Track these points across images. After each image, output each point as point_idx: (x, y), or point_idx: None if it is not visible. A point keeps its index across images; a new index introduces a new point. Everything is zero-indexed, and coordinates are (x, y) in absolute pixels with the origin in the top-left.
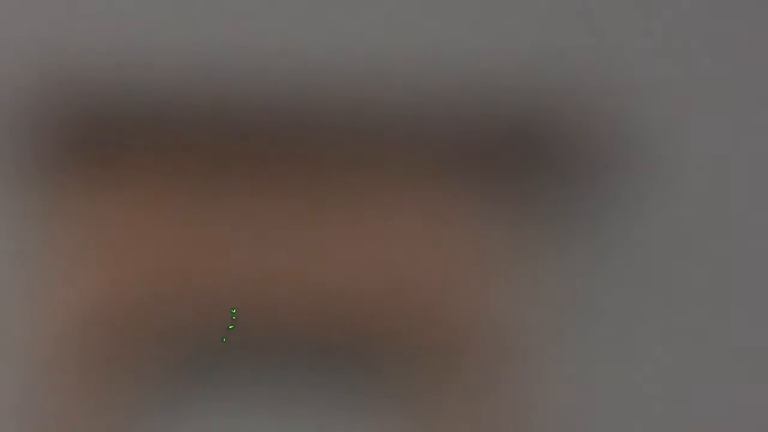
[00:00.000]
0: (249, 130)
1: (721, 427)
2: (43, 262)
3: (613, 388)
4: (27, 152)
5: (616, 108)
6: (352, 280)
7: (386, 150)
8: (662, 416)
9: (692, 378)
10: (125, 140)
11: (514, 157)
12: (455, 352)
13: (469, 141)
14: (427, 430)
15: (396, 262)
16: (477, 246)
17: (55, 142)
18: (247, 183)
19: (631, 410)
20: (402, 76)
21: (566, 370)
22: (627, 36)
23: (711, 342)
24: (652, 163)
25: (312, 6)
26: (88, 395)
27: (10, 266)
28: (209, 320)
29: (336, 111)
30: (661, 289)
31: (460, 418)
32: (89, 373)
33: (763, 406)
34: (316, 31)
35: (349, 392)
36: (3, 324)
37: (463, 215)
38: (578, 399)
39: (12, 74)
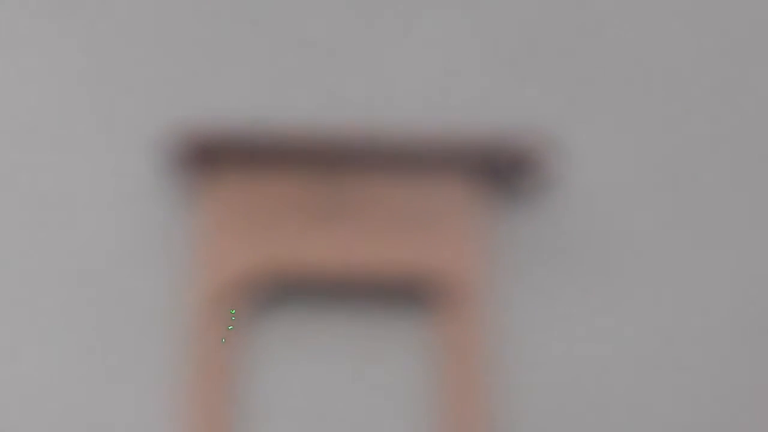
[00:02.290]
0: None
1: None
2: (190, 248)
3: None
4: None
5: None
6: (377, 256)
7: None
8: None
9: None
10: (263, 161)
11: (480, 169)
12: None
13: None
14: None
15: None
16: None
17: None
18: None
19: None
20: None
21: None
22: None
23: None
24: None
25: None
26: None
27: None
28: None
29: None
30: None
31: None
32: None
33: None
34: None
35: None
36: (155, 295)
37: (448, 209)
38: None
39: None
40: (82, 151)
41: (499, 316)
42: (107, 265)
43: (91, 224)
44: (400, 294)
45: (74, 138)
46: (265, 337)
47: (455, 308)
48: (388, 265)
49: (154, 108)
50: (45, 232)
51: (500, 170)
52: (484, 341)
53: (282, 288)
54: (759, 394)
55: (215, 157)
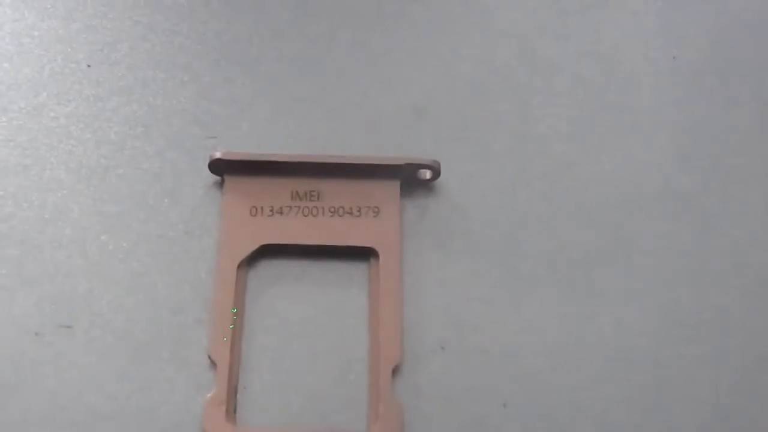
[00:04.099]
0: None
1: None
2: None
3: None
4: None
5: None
6: None
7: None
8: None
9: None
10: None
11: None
12: None
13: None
14: None
15: None
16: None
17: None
18: None
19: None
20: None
21: None
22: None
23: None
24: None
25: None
26: None
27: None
28: None
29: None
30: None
31: None
32: None
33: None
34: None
35: None
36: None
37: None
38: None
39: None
40: (143, 157)
41: (407, 267)
42: (159, 238)
43: (148, 209)
44: (352, 255)
45: (139, 148)
46: (266, 282)
47: (384, 264)
48: (345, 238)
49: (193, 126)
50: (113, 214)
51: (409, 179)
52: (398, 283)
53: (276, 253)
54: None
55: (233, 166)
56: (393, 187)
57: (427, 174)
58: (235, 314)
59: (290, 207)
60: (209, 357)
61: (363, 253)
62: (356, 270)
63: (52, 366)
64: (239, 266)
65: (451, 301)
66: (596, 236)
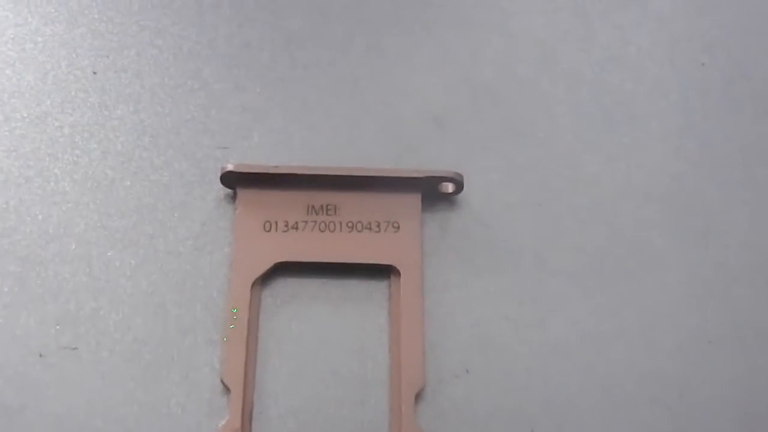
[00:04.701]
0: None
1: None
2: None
3: None
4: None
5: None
6: None
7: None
8: None
9: None
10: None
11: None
12: None
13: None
14: None
15: None
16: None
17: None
18: None
19: None
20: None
21: None
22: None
23: None
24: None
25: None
26: None
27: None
28: None
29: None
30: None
31: None
32: None
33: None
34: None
35: None
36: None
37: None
38: None
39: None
40: (151, 168)
41: (428, 285)
42: (172, 251)
43: (161, 220)
44: (371, 273)
45: (147, 159)
46: (281, 302)
47: (404, 282)
48: (364, 255)
49: (205, 139)
50: (125, 228)
51: (431, 192)
52: (420, 303)
53: (291, 271)
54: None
55: (246, 179)
56: (414, 200)
57: (450, 187)
58: (249, 335)
59: (306, 222)
60: (222, 381)
61: (382, 271)
62: (375, 288)
63: (56, 389)
64: (253, 284)
65: (475, 320)
66: (626, 251)
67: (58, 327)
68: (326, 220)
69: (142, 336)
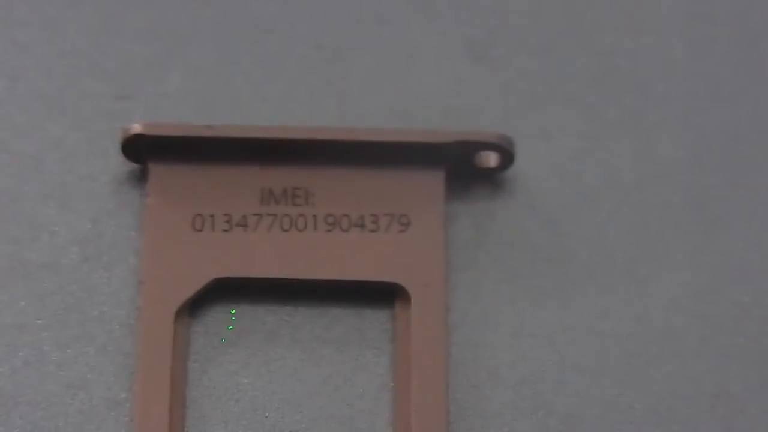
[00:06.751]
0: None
1: None
2: None
3: None
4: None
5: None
6: None
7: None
8: None
9: None
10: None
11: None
12: None
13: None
14: None
15: None
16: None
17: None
18: None
19: None
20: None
21: None
22: None
23: None
24: None
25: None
26: None
27: None
28: None
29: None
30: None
31: None
32: None
33: None
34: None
35: None
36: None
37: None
38: None
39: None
40: (12, 135)
41: (456, 317)
42: (69, 256)
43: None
44: (364, 296)
45: (11, 121)
46: (219, 340)
47: (418, 309)
48: (352, 269)
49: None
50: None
51: (462, 168)
52: (442, 341)
53: (236, 293)
54: (715, 392)
55: (162, 147)
56: (433, 181)
57: (492, 159)
58: (172, 392)
59: (260, 216)
60: None
61: (382, 293)
62: (371, 321)
63: None
64: (177, 315)
65: (528, 372)
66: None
67: None
68: (292, 214)
69: (15, 396)
